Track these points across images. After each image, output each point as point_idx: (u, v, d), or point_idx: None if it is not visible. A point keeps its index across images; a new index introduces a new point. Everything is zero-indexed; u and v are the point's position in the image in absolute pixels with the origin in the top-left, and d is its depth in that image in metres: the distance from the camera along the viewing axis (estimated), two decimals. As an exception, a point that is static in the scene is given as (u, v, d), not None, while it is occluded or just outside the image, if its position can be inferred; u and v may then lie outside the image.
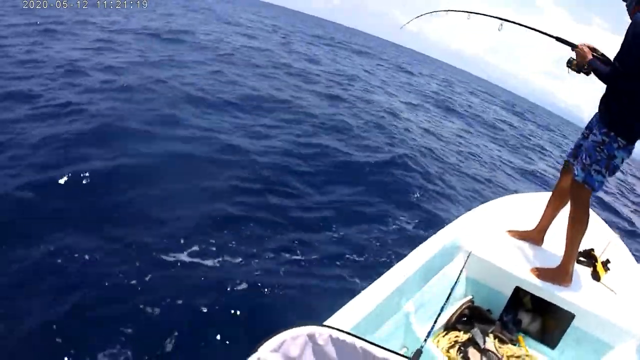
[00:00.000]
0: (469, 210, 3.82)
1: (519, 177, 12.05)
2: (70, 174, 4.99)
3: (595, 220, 3.95)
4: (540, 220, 3.57)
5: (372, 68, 26.80)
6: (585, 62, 2.93)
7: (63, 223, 4.25)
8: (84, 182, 4.97)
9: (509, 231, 3.67)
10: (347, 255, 4.93)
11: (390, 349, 1.33)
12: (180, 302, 3.67)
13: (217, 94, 9.82)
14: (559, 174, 3.57)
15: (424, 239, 3.22)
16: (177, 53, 13.34)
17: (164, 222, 4.65)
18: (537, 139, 23.41)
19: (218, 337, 3.44)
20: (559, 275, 3.12)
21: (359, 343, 1.33)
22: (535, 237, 3.59)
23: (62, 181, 4.88)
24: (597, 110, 3.08)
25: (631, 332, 2.89)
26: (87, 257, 3.87)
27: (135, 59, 11.42)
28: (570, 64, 3.06)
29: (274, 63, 16.06)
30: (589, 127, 3.21)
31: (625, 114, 2.81)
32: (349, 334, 1.35)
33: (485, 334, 3.02)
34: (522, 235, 3.62)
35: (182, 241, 4.39)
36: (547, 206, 3.53)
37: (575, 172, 3.05)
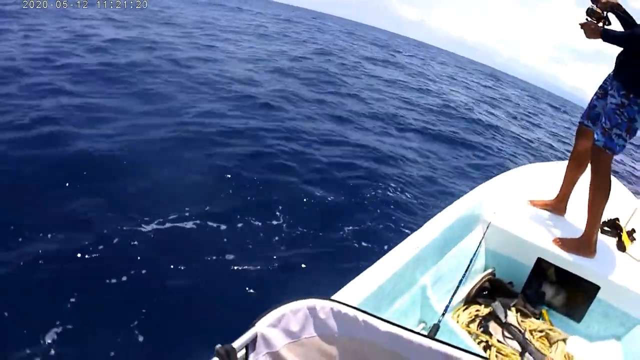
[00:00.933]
0: (488, 180, 3.66)
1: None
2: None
3: (618, 188, 3.79)
4: (561, 188, 3.43)
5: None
6: (608, 5, 2.81)
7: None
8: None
9: (531, 201, 3.54)
10: (356, 227, 4.82)
11: (399, 324, 1.25)
12: (177, 268, 3.65)
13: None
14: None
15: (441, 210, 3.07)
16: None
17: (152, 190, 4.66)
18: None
19: (214, 311, 3.39)
20: (583, 245, 2.98)
21: (362, 316, 1.25)
22: (557, 206, 3.45)
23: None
24: (611, 71, 2.95)
25: None
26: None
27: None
28: (591, 12, 2.90)
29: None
30: (603, 87, 3.09)
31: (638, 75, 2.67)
32: (351, 307, 1.27)
33: (507, 307, 2.90)
34: (544, 205, 3.49)
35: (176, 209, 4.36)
36: (566, 173, 3.39)
37: (596, 136, 2.91)
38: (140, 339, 3.01)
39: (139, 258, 3.71)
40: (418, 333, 1.24)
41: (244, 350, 1.13)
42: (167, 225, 4.17)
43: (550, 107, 35.86)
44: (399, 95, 13.98)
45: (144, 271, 3.57)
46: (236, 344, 1.10)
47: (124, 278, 3.47)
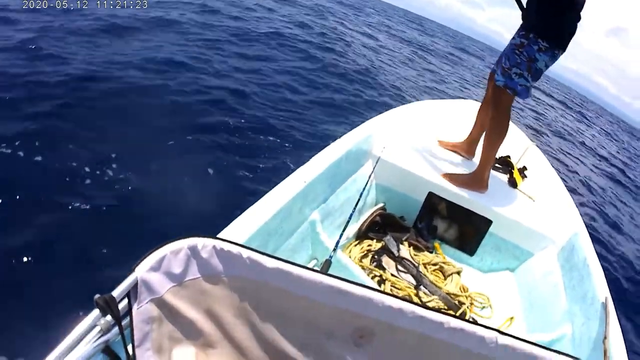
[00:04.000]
0: (379, 114, 3.41)
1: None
2: None
3: (512, 128, 3.77)
4: (471, 131, 3.28)
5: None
6: None
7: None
8: None
9: (440, 141, 3.37)
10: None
11: (283, 258, 1.17)
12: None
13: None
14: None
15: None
16: None
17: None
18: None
19: (91, 259, 2.86)
20: (475, 180, 2.86)
21: (247, 253, 1.17)
22: (466, 148, 3.30)
23: None
24: None
25: (550, 239, 2.73)
26: None
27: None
28: None
29: None
30: None
31: (545, 15, 2.54)
32: (235, 243, 1.18)
33: (399, 241, 2.69)
34: (453, 147, 3.32)
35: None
36: (476, 117, 3.24)
37: (496, 76, 2.77)
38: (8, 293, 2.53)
39: None
40: (308, 268, 1.17)
41: (126, 300, 1.03)
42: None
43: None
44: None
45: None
46: (115, 292, 0.99)
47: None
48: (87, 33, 6.80)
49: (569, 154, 12.48)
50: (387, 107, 4.85)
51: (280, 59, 9.38)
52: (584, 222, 2.91)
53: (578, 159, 12.64)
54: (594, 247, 2.55)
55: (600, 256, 2.48)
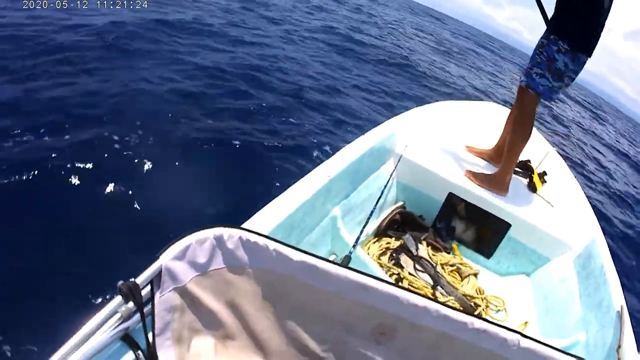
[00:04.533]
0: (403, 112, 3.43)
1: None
2: None
3: (533, 133, 3.78)
4: (500, 138, 3.26)
5: None
6: None
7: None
8: None
9: (467, 147, 3.36)
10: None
11: (308, 251, 1.19)
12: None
13: None
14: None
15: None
16: None
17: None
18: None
19: (116, 245, 2.94)
20: (496, 182, 2.87)
21: (273, 245, 1.18)
22: (493, 156, 3.27)
23: None
24: None
25: (567, 245, 2.74)
26: None
27: None
28: None
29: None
30: None
31: (564, 17, 2.55)
32: (261, 235, 1.19)
33: (417, 240, 2.72)
34: (480, 153, 3.31)
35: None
36: (505, 124, 3.24)
37: (520, 77, 2.80)
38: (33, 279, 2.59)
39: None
40: (333, 262, 1.18)
41: (149, 287, 1.04)
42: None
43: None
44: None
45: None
46: (139, 279, 1.00)
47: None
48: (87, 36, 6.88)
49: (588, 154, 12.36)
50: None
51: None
52: (602, 229, 2.92)
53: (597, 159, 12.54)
54: (611, 254, 2.57)
55: (616, 264, 2.50)
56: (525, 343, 1.18)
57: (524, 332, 1.20)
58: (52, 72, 4.98)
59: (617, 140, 20.71)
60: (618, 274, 2.39)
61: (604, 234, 2.82)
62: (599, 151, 14.48)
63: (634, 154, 18.30)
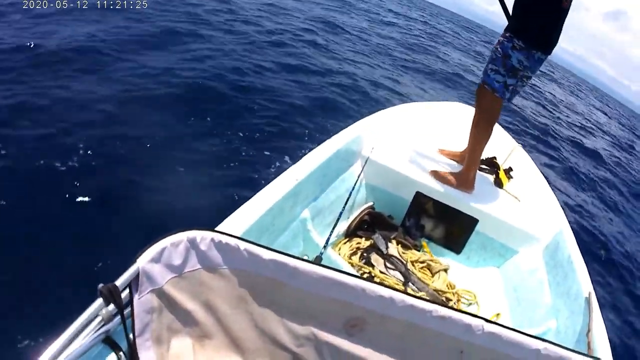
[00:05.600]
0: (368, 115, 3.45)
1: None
2: None
3: (497, 130, 3.83)
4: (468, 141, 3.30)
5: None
6: None
7: None
8: None
9: (440, 150, 3.37)
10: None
11: (279, 250, 1.22)
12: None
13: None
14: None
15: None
16: None
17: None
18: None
19: (95, 249, 2.91)
20: (460, 179, 2.90)
21: (244, 245, 1.21)
22: (464, 156, 3.31)
23: None
24: None
25: (535, 237, 2.79)
26: None
27: None
28: None
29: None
30: None
31: (519, 15, 2.59)
32: (232, 236, 1.22)
33: (387, 239, 2.73)
34: (453, 156, 3.33)
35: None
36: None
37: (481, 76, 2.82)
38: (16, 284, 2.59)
39: None
40: (303, 259, 1.21)
41: (127, 290, 1.06)
42: None
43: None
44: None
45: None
46: (119, 281, 1.03)
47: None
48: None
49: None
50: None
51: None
52: (568, 219, 2.97)
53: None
54: (578, 243, 2.62)
55: (583, 252, 2.54)
56: (489, 328, 1.19)
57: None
58: (50, 74, 4.94)
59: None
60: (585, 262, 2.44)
61: (570, 224, 2.88)
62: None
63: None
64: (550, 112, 16.80)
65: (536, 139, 11.09)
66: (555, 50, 2.69)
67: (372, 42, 14.65)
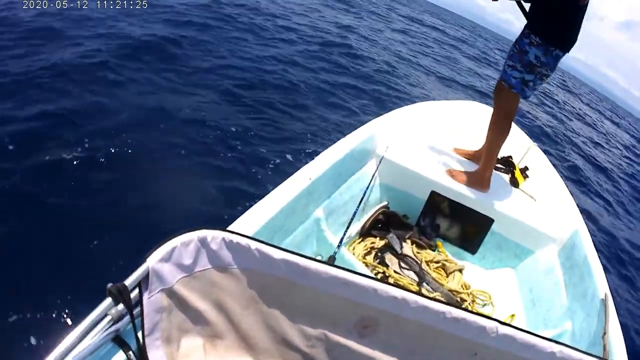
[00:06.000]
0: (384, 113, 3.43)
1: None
2: None
3: (514, 128, 3.80)
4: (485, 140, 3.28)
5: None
6: None
7: None
8: None
9: (455, 149, 3.35)
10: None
11: (290, 250, 1.22)
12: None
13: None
14: None
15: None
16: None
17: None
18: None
19: (105, 247, 2.93)
20: (477, 179, 2.88)
21: (255, 244, 1.21)
22: (479, 156, 3.28)
23: None
24: None
25: (551, 237, 2.76)
26: None
27: None
28: None
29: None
30: None
31: (537, 12, 2.57)
32: (243, 235, 1.22)
33: (402, 239, 2.72)
34: (467, 155, 3.31)
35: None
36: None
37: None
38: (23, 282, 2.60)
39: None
40: (314, 259, 1.20)
41: (137, 290, 1.06)
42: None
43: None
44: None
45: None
46: (128, 281, 1.02)
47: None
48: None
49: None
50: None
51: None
52: (585, 220, 2.94)
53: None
54: (594, 244, 2.59)
55: (600, 253, 2.52)
56: (503, 330, 1.19)
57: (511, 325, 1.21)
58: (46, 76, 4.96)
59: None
60: (601, 263, 2.41)
61: (587, 225, 2.85)
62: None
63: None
64: (557, 114, 16.53)
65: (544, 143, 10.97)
66: (566, 58, 2.68)
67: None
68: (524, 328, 1.21)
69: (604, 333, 1.87)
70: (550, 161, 3.78)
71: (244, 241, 1.21)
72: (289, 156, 4.83)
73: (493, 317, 1.21)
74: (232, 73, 6.78)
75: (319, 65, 8.87)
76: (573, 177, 9.02)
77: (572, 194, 3.28)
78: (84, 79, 5.02)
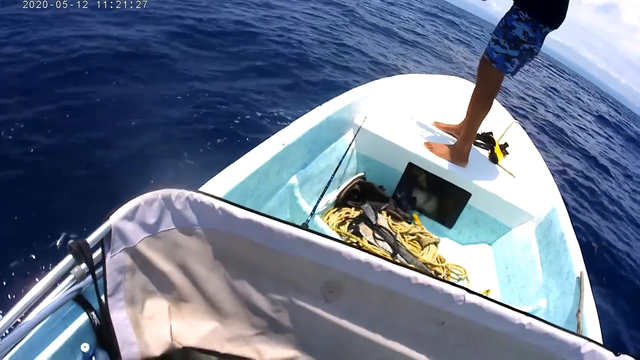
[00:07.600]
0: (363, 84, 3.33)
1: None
2: None
3: (495, 105, 3.74)
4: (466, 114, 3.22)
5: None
6: None
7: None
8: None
9: (435, 122, 3.28)
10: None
11: (255, 210, 1.15)
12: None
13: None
14: None
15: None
16: None
17: None
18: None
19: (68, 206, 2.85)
20: (455, 153, 2.82)
21: (218, 204, 1.16)
22: (459, 131, 3.21)
23: None
24: None
25: (528, 214, 2.73)
26: None
27: None
28: None
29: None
30: None
31: None
32: (207, 194, 1.17)
33: (377, 210, 2.65)
34: (447, 129, 3.24)
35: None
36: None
37: None
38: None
39: None
40: (279, 220, 1.14)
41: (99, 249, 1.02)
42: None
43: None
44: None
45: None
46: (90, 239, 0.99)
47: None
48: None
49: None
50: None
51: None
52: (563, 198, 2.90)
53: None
54: (572, 222, 2.55)
55: (577, 231, 2.48)
56: (471, 298, 1.14)
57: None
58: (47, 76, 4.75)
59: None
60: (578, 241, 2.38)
61: (565, 203, 2.81)
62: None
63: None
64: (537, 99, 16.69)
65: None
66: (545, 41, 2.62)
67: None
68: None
69: (579, 310, 1.85)
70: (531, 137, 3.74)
71: (208, 200, 1.15)
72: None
73: (460, 285, 1.15)
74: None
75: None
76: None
77: (551, 172, 3.24)
78: (83, 79, 4.82)
